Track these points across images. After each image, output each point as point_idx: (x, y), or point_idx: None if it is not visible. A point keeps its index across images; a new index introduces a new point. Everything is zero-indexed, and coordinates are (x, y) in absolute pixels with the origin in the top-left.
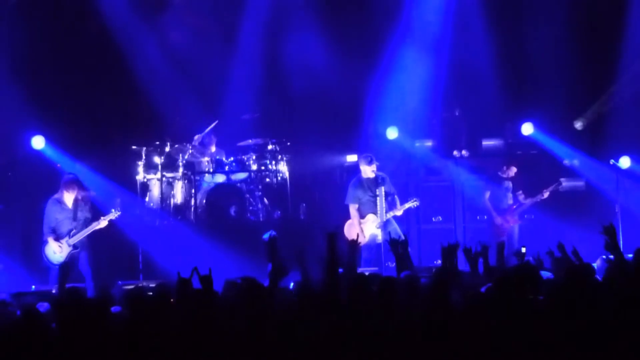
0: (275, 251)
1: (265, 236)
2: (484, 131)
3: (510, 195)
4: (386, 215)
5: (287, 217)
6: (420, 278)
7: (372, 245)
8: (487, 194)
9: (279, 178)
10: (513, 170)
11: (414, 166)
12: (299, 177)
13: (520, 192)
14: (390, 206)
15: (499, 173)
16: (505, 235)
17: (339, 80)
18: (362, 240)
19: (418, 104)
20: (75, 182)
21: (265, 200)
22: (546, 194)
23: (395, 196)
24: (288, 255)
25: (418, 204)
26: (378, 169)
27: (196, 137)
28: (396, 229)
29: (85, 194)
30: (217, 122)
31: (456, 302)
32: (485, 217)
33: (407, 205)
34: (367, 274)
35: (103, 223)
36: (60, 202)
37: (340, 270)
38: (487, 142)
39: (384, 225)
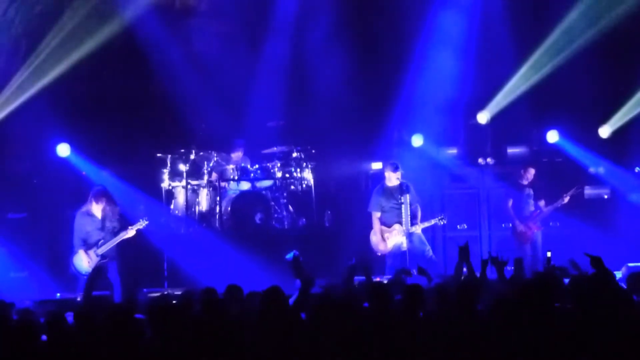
0: (301, 268)
1: (289, 256)
2: (509, 138)
3: (531, 202)
4: (412, 228)
5: (312, 225)
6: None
7: (397, 254)
8: (510, 202)
9: (304, 185)
10: (531, 172)
11: (439, 174)
12: (323, 185)
13: (542, 200)
14: (413, 215)
15: (519, 180)
16: (529, 242)
17: (364, 87)
18: (386, 249)
19: (443, 111)
20: (104, 194)
21: (290, 207)
22: (566, 199)
23: (418, 206)
24: (313, 265)
25: (445, 222)
26: (403, 177)
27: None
28: (421, 237)
29: (114, 208)
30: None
31: (483, 310)
32: (510, 224)
33: (433, 222)
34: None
35: (131, 232)
36: (89, 214)
37: (362, 278)
38: (512, 150)
39: (409, 234)
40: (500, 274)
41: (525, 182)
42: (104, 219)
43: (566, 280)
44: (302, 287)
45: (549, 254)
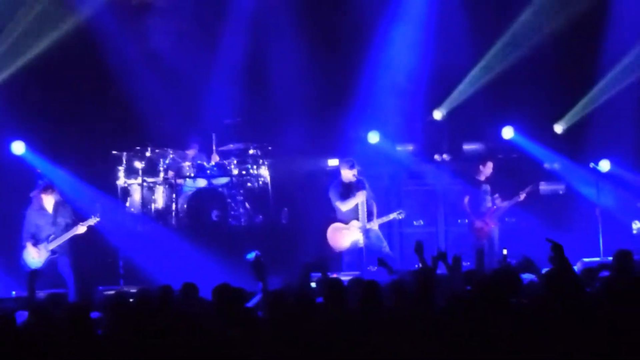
0: (263, 270)
1: (250, 256)
2: (465, 135)
3: (488, 198)
4: (368, 224)
5: (269, 222)
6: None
7: (355, 250)
8: (466, 198)
9: (261, 182)
10: (489, 166)
11: (396, 170)
12: (280, 182)
13: (497, 195)
14: (369, 211)
15: (476, 176)
16: (485, 238)
17: (321, 84)
18: (343, 245)
19: (399, 107)
20: (51, 187)
21: (247, 204)
22: (523, 196)
23: (374, 203)
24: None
25: (404, 216)
26: (359, 173)
27: (190, 152)
28: (378, 234)
29: (64, 203)
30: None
31: (438, 304)
32: (466, 220)
33: (391, 216)
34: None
35: (82, 229)
36: (40, 208)
37: (318, 275)
38: (468, 146)
39: (366, 231)
40: (448, 269)
41: (482, 178)
42: (55, 214)
43: (524, 278)
44: (265, 290)
45: (504, 252)
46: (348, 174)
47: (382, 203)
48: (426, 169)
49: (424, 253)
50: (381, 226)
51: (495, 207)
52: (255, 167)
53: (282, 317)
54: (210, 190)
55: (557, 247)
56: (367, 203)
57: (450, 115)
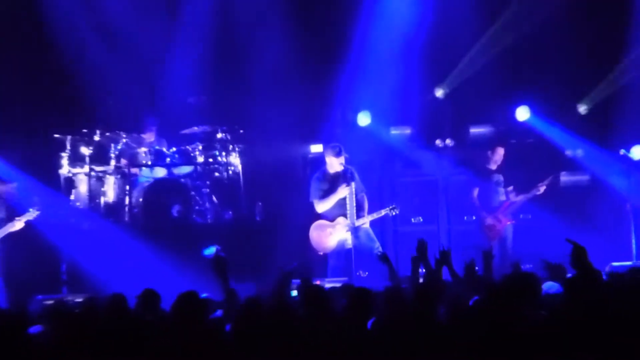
0: (225, 269)
1: (208, 252)
2: (471, 117)
3: (502, 190)
4: (358, 221)
5: (240, 219)
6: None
7: (341, 252)
8: (475, 191)
9: (231, 172)
10: (499, 153)
11: (390, 158)
12: (254, 171)
13: (511, 187)
14: (358, 206)
15: (486, 165)
16: (497, 238)
17: (303, 58)
18: (328, 247)
19: (394, 84)
20: None
21: (214, 198)
22: (542, 189)
23: (364, 196)
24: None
25: (398, 212)
26: (347, 161)
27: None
28: (369, 232)
29: (4, 189)
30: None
31: (442, 317)
32: (474, 217)
33: (383, 212)
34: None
35: (18, 225)
36: None
37: (299, 281)
38: (475, 130)
39: (355, 229)
40: (452, 274)
41: (493, 167)
42: None
43: (548, 285)
44: (227, 296)
45: (517, 264)
46: (334, 163)
47: (373, 196)
48: (425, 157)
49: (427, 255)
50: (373, 224)
51: (509, 201)
52: (224, 153)
53: (256, 332)
54: (170, 181)
55: (579, 249)
56: (356, 196)
57: (453, 93)
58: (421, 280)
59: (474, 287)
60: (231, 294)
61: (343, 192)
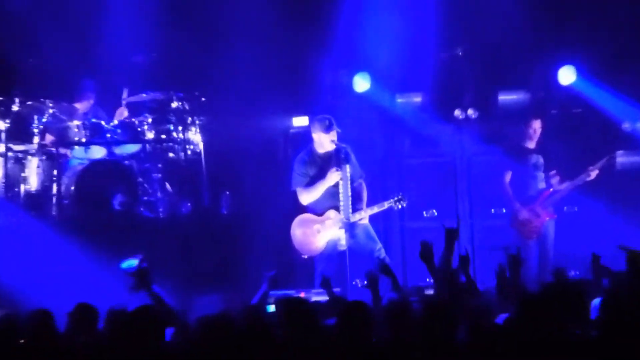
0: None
1: (128, 265)
2: (501, 80)
3: (541, 175)
4: (354, 216)
5: (202, 212)
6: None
7: (333, 255)
8: (508, 176)
9: (189, 152)
10: (537, 127)
11: (395, 134)
12: (220, 151)
13: (554, 172)
14: (355, 196)
15: (521, 143)
16: (534, 236)
17: (282, 5)
18: (316, 248)
19: (400, 40)
20: None
21: (168, 186)
22: (593, 174)
23: (363, 183)
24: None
25: (405, 204)
26: (340, 138)
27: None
28: (368, 230)
29: None
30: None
31: (461, 339)
32: (504, 210)
33: (386, 205)
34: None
35: None
36: None
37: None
38: (505, 97)
39: (350, 226)
40: (469, 285)
41: (529, 145)
42: None
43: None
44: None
45: (560, 271)
46: (323, 140)
47: (374, 184)
48: (441, 132)
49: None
50: (373, 219)
51: (550, 189)
52: (180, 128)
53: (220, 356)
54: (110, 163)
55: (636, 258)
56: (352, 184)
57: (477, 51)
58: (430, 291)
59: (505, 300)
60: (172, 313)
61: (334, 177)
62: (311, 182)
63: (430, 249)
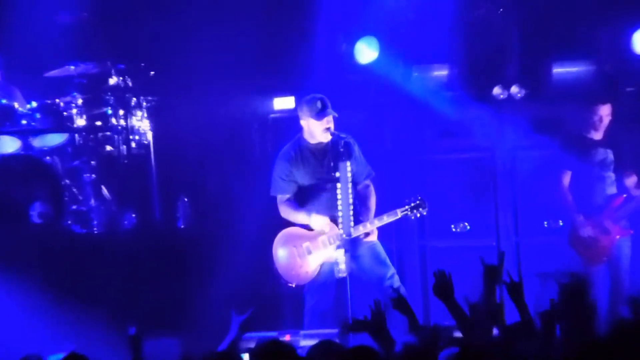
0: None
1: None
2: (555, 48)
3: (611, 177)
4: (356, 229)
5: (151, 226)
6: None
7: (328, 283)
8: (566, 177)
9: (134, 145)
10: (605, 112)
11: (412, 119)
12: (175, 144)
13: (630, 173)
14: (360, 203)
15: (584, 132)
16: (602, 259)
17: None
18: (306, 274)
19: None
20: None
21: (105, 190)
22: None
23: (370, 184)
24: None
25: (425, 212)
26: (338, 126)
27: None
28: (376, 251)
29: None
30: None
31: None
32: (561, 223)
33: (400, 214)
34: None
35: None
36: None
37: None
38: (561, 70)
39: (352, 243)
40: (524, 321)
41: (595, 136)
42: None
43: None
44: None
45: (636, 300)
46: (315, 129)
47: (384, 185)
48: (475, 117)
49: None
50: (384, 235)
51: (624, 196)
52: (122, 112)
53: None
54: (26, 160)
55: None
56: (356, 186)
57: (524, 8)
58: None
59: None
60: None
61: (321, 226)
62: (298, 190)
63: (448, 283)
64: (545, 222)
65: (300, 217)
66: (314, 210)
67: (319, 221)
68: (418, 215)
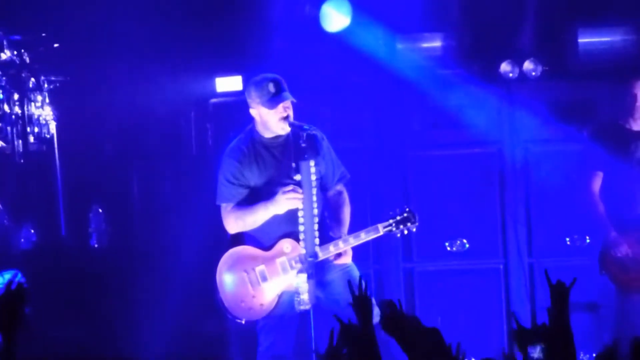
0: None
1: None
2: (580, 13)
3: None
4: (325, 250)
5: (55, 246)
6: None
7: (288, 318)
8: (597, 180)
9: (33, 140)
10: None
11: (396, 105)
12: (86, 138)
13: None
14: (329, 216)
15: (620, 122)
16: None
17: None
18: (260, 308)
19: None
20: None
21: None
22: None
23: (343, 190)
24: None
25: (415, 228)
26: (299, 115)
27: None
28: (351, 277)
29: None
30: None
31: None
32: (589, 239)
33: (382, 230)
34: None
35: None
36: None
37: None
38: (587, 39)
39: (318, 268)
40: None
41: (635, 127)
42: None
43: None
44: None
45: None
46: (268, 118)
47: (362, 192)
48: (477, 101)
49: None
50: (360, 256)
51: None
52: (16, 97)
53: None
54: None
55: None
56: (325, 192)
57: None
58: None
59: None
60: None
61: (287, 203)
62: (250, 196)
63: (401, 316)
64: (568, 239)
65: (257, 214)
66: (270, 224)
67: (283, 201)
68: (405, 231)
